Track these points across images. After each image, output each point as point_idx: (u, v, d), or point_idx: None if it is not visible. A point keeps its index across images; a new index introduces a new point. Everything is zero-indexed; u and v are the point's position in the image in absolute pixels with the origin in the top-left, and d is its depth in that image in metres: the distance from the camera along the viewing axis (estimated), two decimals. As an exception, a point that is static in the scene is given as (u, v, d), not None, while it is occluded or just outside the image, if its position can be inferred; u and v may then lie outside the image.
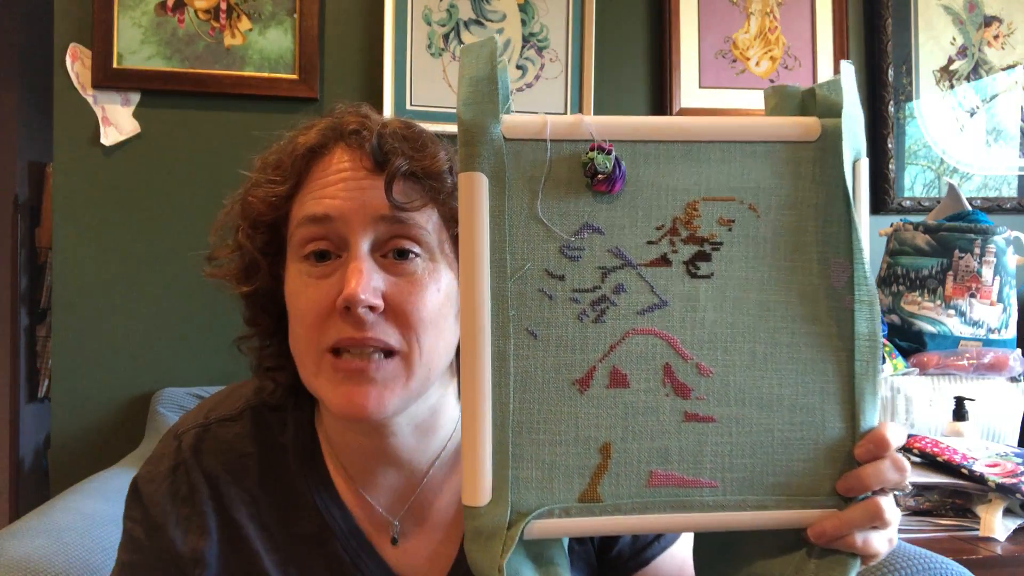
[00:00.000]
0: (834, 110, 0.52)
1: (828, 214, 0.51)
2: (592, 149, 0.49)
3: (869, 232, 0.53)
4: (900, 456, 0.51)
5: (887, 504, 0.50)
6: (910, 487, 0.53)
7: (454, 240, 0.64)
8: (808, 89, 0.54)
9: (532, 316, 0.50)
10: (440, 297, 0.63)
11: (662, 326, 0.51)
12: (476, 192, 0.49)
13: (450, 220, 0.64)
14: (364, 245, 0.62)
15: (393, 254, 0.62)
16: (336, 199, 0.62)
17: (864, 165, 0.52)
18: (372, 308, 0.60)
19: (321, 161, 0.65)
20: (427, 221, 0.63)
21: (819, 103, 0.53)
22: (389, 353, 0.62)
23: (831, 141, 0.51)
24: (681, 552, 0.73)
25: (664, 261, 0.51)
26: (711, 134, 0.51)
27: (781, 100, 0.55)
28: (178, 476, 0.69)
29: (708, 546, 0.61)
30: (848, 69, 0.53)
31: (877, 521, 0.50)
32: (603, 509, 0.50)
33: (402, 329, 0.61)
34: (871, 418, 0.51)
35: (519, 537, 0.49)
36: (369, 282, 0.60)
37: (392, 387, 0.62)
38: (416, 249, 0.63)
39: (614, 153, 0.50)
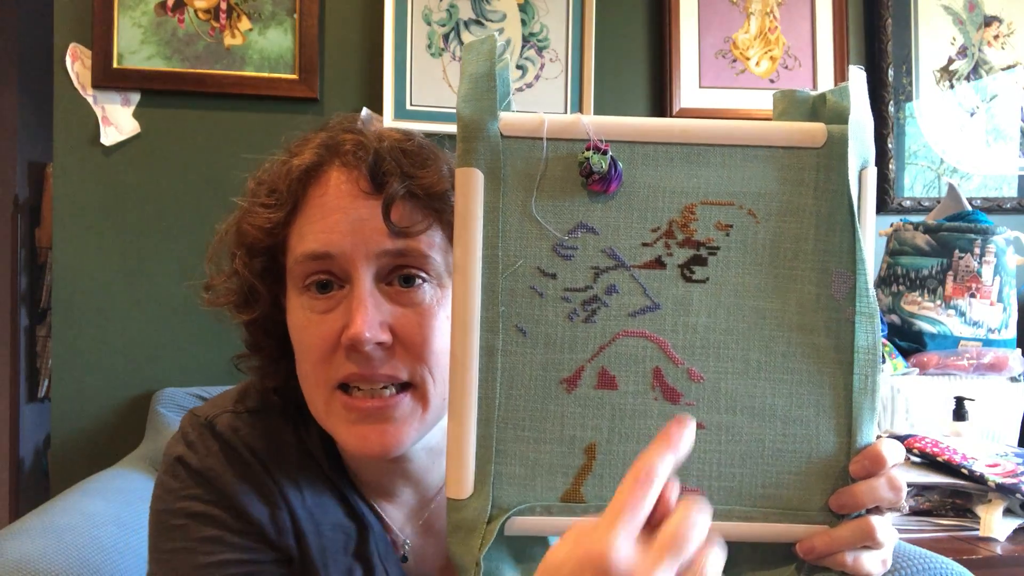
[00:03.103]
0: (843, 116, 0.51)
1: (831, 223, 0.50)
2: (588, 148, 0.49)
3: (874, 241, 0.52)
4: (896, 475, 0.49)
5: (880, 524, 0.49)
6: (906, 507, 0.52)
7: None
8: (819, 94, 0.53)
9: (522, 313, 0.50)
10: (449, 323, 0.61)
11: (653, 329, 0.50)
12: (471, 188, 0.49)
13: None
14: (367, 278, 0.59)
15: (399, 281, 0.60)
16: (335, 233, 0.59)
17: (871, 174, 0.51)
18: (380, 344, 0.58)
19: (317, 184, 0.62)
20: (431, 246, 0.60)
21: (829, 108, 0.52)
22: (402, 386, 0.60)
23: (837, 148, 0.50)
24: None
25: (658, 264, 0.50)
26: (712, 137, 0.50)
27: (790, 105, 0.54)
28: (229, 453, 0.65)
29: None
30: (858, 75, 0.52)
31: (869, 541, 0.49)
32: (585, 510, 0.49)
33: (412, 362, 0.60)
34: (868, 434, 0.50)
35: (499, 532, 0.49)
36: (375, 318, 0.58)
37: (409, 422, 0.60)
38: (423, 275, 0.60)
39: (610, 153, 0.49)
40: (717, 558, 0.42)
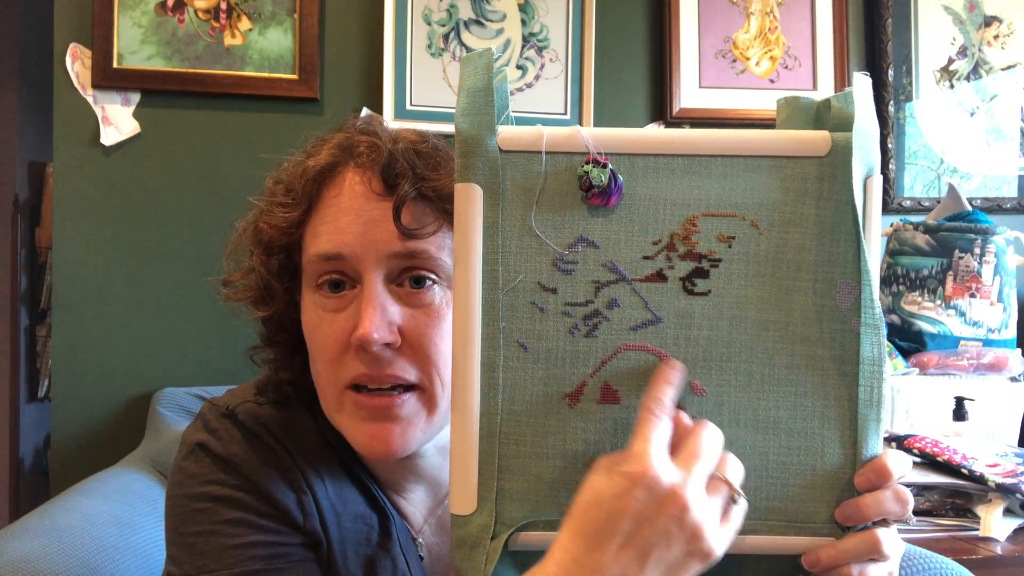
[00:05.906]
0: (848, 123, 0.50)
1: (835, 233, 0.49)
2: (588, 162, 0.49)
3: (880, 251, 0.51)
4: (902, 487, 0.49)
5: (886, 536, 0.49)
6: (913, 519, 0.52)
7: None
8: (824, 100, 0.52)
9: (523, 328, 0.49)
10: None
11: (655, 343, 0.50)
12: (471, 203, 0.49)
13: None
14: (377, 279, 0.60)
15: (410, 282, 0.61)
16: (347, 234, 0.60)
17: (877, 182, 0.50)
18: (389, 344, 0.59)
19: (332, 184, 0.63)
20: (441, 248, 0.61)
21: (833, 115, 0.51)
22: (410, 387, 0.60)
23: (841, 157, 0.49)
24: None
25: (660, 277, 0.50)
26: (713, 147, 0.50)
27: (793, 112, 0.54)
28: (252, 441, 0.64)
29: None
30: (863, 81, 0.51)
31: (875, 553, 0.48)
32: None
33: (420, 364, 0.60)
34: (874, 446, 0.50)
35: (504, 547, 0.49)
36: (384, 319, 0.58)
37: (415, 423, 0.61)
38: (433, 276, 0.61)
39: (610, 166, 0.49)
40: (736, 464, 0.48)
